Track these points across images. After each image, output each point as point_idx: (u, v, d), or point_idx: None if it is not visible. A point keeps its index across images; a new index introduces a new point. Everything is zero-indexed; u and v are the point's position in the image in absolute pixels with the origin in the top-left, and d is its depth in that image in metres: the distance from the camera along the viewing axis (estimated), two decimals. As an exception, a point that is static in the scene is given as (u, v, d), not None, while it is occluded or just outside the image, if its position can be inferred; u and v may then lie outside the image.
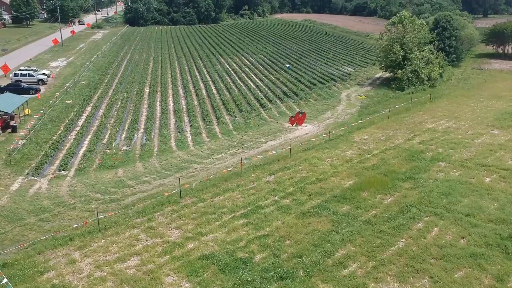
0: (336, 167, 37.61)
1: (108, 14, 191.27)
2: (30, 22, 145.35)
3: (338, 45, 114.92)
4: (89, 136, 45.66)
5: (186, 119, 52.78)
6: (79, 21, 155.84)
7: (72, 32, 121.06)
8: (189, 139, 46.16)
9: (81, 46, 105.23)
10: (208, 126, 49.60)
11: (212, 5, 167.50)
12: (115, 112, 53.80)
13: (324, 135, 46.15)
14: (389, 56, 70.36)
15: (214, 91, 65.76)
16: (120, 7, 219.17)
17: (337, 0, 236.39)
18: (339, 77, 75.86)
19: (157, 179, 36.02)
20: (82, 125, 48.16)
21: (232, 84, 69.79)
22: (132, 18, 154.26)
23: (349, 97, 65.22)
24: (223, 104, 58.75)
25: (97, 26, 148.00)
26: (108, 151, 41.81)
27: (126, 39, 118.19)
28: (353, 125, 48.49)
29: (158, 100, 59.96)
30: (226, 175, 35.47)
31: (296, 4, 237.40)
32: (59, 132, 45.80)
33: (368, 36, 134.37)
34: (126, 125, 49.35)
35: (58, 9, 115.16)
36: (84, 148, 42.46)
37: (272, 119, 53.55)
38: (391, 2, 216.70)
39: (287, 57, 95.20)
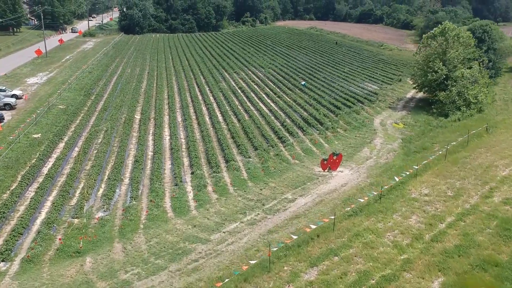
0: (404, 249, 25.43)
1: (102, 21, 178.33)
2: (17, 29, 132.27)
3: (352, 56, 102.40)
4: (53, 193, 32.75)
5: (186, 161, 39.98)
6: (72, 29, 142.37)
7: (60, 41, 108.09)
8: (190, 196, 33.39)
9: (67, 57, 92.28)
10: (214, 174, 36.78)
11: (213, 12, 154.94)
12: (94, 151, 40.90)
13: (370, 186, 33.94)
14: (428, 74, 57.68)
15: (220, 117, 53.00)
16: (116, 13, 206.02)
17: (341, 7, 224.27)
18: (365, 98, 63.29)
19: (142, 277, 23.35)
20: (47, 173, 35.28)
21: (240, 108, 57.08)
22: (128, 26, 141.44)
23: (384, 125, 52.57)
24: (232, 137, 45.97)
25: (89, 34, 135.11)
26: (76, 220, 28.97)
27: (119, 49, 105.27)
28: (405, 171, 35.79)
29: (150, 132, 47.09)
30: (247, 273, 22.86)
31: (298, 11, 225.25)
32: (13, 186, 32.84)
33: (382, 46, 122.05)
34: (106, 173, 36.51)
35: (42, 15, 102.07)
36: (42, 215, 29.56)
37: (297, 160, 40.82)
38: (397, 10, 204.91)
39: (298, 70, 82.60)
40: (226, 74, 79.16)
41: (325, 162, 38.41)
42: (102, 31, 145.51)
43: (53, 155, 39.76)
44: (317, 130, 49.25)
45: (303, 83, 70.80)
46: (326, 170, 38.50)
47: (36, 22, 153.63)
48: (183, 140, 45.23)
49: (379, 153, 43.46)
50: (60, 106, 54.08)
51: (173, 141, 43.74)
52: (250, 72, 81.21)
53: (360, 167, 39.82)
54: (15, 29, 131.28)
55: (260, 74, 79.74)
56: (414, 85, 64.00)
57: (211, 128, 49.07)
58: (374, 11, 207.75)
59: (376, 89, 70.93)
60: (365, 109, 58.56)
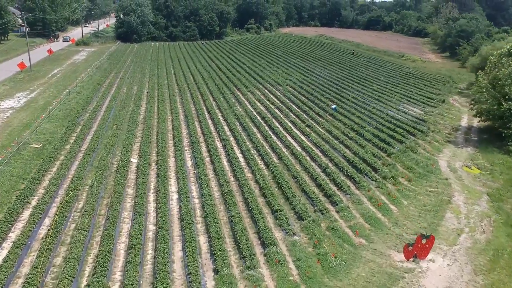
0: None
1: (98, 27, 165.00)
2: (4, 37, 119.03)
3: (375, 70, 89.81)
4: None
5: (203, 242, 26.94)
6: (63, 37, 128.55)
7: (49, 51, 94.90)
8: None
9: (55, 72, 79.07)
10: (249, 272, 23.82)
11: (216, 19, 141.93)
12: (70, 229, 27.77)
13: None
14: (503, 103, 44.79)
15: (241, 159, 40.07)
16: (113, 19, 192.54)
17: (347, 13, 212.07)
18: (414, 128, 50.57)
19: None
20: (-8, 279, 22.18)
21: (265, 144, 44.21)
22: (125, 33, 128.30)
23: (455, 170, 39.83)
24: (263, 195, 33.14)
25: (82, 42, 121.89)
26: None
27: (115, 60, 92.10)
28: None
29: (151, 188, 34.03)
30: None
31: (303, 17, 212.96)
32: None
33: (403, 57, 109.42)
34: (85, 274, 23.40)
35: (29, 23, 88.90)
36: None
37: (362, 239, 28.12)
38: (406, 16, 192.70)
39: (320, 88, 69.98)
40: (238, 93, 66.17)
41: (410, 248, 25.49)
42: (97, 39, 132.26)
43: (9, 236, 26.62)
44: (373, 180, 36.37)
45: (333, 106, 57.91)
46: (411, 259, 25.60)
47: (27, 29, 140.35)
48: (196, 202, 32.17)
49: (469, 221, 30.60)
50: (34, 145, 40.96)
51: (183, 204, 30.69)
52: (266, 91, 68.24)
53: (456, 251, 26.97)
54: (2, 37, 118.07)
55: (278, 93, 66.82)
56: (476, 113, 51.08)
57: (232, 178, 36.09)
58: (383, 18, 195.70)
59: (420, 113, 58.17)
60: (420, 144, 45.71)
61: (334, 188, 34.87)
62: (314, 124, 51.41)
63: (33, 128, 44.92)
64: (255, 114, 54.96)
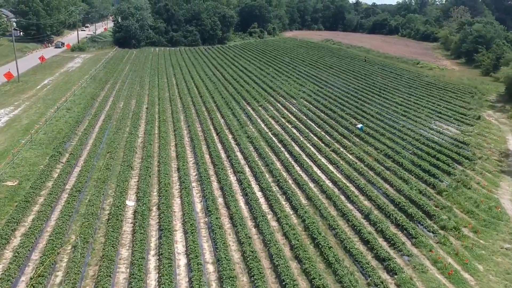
0: None
1: (95, 31, 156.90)
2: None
3: (393, 79, 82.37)
4: None
5: None
6: (55, 43, 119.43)
7: (41, 58, 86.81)
8: None
9: (45, 82, 71.07)
10: None
11: (219, 23, 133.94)
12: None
13: None
14: None
15: (262, 201, 32.36)
16: (111, 22, 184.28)
17: (352, 16, 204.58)
18: (457, 153, 43.03)
19: None
20: None
21: (287, 176, 36.74)
22: (123, 38, 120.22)
23: (524, 214, 31.76)
24: (296, 258, 25.60)
25: (78, 48, 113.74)
26: None
27: (112, 69, 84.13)
28: None
29: (152, 249, 26.12)
30: None
31: (305, 21, 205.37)
32: None
33: (418, 64, 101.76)
34: None
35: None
36: None
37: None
38: (412, 20, 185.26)
39: (339, 102, 62.48)
40: (249, 108, 58.31)
41: None
42: (94, 44, 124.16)
43: None
44: (431, 231, 28.75)
45: (359, 126, 50.10)
46: None
47: (21, 33, 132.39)
48: (211, 270, 24.27)
49: None
50: (8, 183, 33.02)
51: (194, 275, 22.78)
52: (279, 105, 60.45)
53: None
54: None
55: (293, 108, 59.03)
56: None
57: (254, 230, 28.34)
58: (389, 22, 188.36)
59: (457, 133, 50.45)
60: (472, 177, 37.99)
61: (385, 245, 27.04)
62: (341, 149, 43.63)
63: (9, 159, 36.87)
64: (271, 135, 47.07)
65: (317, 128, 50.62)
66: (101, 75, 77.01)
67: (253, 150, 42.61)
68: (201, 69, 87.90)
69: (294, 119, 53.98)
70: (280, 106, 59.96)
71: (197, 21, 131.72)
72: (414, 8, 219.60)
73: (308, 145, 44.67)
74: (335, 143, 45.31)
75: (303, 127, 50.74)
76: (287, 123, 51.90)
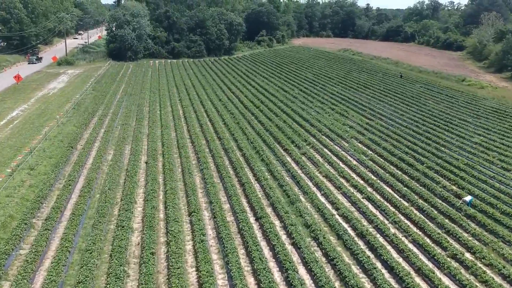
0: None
1: (88, 40, 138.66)
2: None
3: (448, 104, 66.64)
4: None
5: None
6: (29, 59, 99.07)
7: (17, 77, 68.79)
8: None
9: (13, 115, 53.16)
10: None
11: (226, 31, 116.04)
12: None
13: None
14: None
15: None
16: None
17: (363, 23, 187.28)
18: None
19: None
20: None
21: None
22: (117, 50, 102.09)
23: None
24: None
25: (65, 61, 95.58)
26: None
27: (103, 90, 66.41)
28: None
29: None
30: None
31: (313, 27, 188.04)
32: None
33: (463, 80, 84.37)
34: None
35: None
36: None
37: None
38: (427, 26, 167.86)
39: (404, 143, 45.23)
40: (288, 158, 40.78)
41: None
42: (85, 56, 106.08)
43: None
44: None
45: (468, 199, 32.31)
46: None
47: (2, 44, 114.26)
48: None
49: None
50: None
51: None
52: (326, 151, 43.06)
53: None
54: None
55: (350, 158, 41.53)
56: None
57: None
58: (404, 28, 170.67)
59: None
60: None
61: None
62: (466, 254, 25.80)
63: None
64: (340, 220, 29.49)
65: (401, 199, 32.99)
66: (87, 102, 59.07)
67: (324, 259, 24.79)
68: (212, 90, 70.09)
69: (359, 180, 36.31)
70: (329, 153, 42.24)
71: (202, 29, 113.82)
72: (427, 13, 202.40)
73: (405, 241, 27.00)
74: (439, 231, 27.76)
75: (379, 198, 33.08)
76: (352, 189, 34.23)
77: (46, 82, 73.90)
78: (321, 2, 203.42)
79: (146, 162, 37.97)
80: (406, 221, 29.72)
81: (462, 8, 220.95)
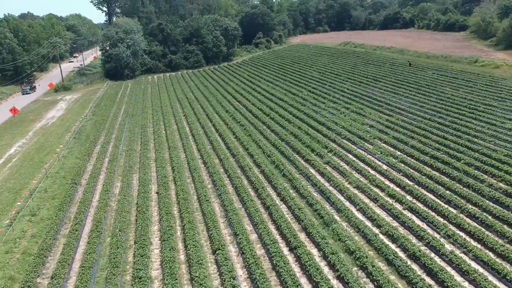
0: None
1: (84, 61, 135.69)
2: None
3: (467, 89, 62.60)
4: None
5: None
6: (22, 89, 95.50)
7: (13, 110, 65.61)
8: None
9: (11, 152, 49.93)
10: None
11: (222, 37, 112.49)
12: None
13: None
14: None
15: None
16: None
17: (359, 13, 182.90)
18: None
19: None
20: None
21: None
22: (114, 69, 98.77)
23: None
24: None
25: (62, 87, 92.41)
26: None
27: (103, 114, 63.10)
28: None
29: None
30: None
31: (309, 23, 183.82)
32: None
33: (476, 62, 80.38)
34: None
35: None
36: None
37: None
38: (425, 9, 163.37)
39: (433, 138, 40.66)
40: (311, 170, 37.18)
41: None
42: (83, 79, 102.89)
43: None
44: None
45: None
46: None
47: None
48: None
49: None
50: None
51: None
52: (350, 156, 39.45)
53: None
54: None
55: (378, 163, 37.72)
56: None
57: None
58: (402, 14, 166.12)
59: None
60: None
61: None
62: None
63: None
64: (386, 241, 25.71)
65: (447, 206, 29.17)
66: (88, 129, 55.58)
67: (380, 295, 20.96)
68: (216, 101, 66.49)
69: (395, 187, 32.50)
70: (354, 159, 38.41)
71: (197, 38, 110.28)
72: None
73: (466, 260, 23.17)
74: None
75: (422, 207, 29.35)
76: (390, 200, 30.47)
77: (44, 112, 70.55)
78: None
79: (157, 193, 34.32)
80: (461, 233, 25.86)
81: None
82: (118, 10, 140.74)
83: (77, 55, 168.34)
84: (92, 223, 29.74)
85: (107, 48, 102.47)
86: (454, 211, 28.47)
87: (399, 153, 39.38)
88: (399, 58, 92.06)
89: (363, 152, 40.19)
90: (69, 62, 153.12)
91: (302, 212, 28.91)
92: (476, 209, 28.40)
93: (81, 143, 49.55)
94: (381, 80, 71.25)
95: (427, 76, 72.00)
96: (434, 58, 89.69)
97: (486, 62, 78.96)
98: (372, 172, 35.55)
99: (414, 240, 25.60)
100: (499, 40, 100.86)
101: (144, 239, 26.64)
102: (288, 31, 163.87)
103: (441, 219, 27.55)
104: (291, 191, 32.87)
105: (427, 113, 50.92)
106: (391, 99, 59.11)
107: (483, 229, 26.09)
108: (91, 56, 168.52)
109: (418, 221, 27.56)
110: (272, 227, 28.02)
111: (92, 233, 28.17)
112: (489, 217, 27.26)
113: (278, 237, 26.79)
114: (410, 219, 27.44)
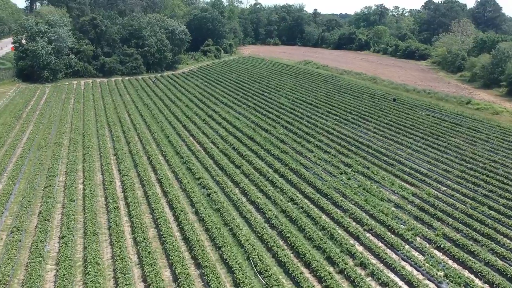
0: None
1: (1, 49, 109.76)
2: None
3: (478, 141, 47.67)
4: None
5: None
6: None
7: None
8: None
9: None
10: None
11: (167, 42, 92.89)
12: None
13: None
14: None
15: None
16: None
17: (311, 29, 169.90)
18: None
19: None
20: None
21: None
22: (29, 68, 76.25)
23: None
24: None
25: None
26: None
27: (1, 140, 41.76)
28: None
29: None
30: None
31: (259, 34, 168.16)
32: None
33: (468, 103, 68.64)
34: None
35: None
36: None
37: None
38: (379, 32, 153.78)
39: (497, 239, 24.96)
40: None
41: None
42: (-12, 77, 78.79)
43: None
44: None
45: None
46: None
47: None
48: None
49: None
50: None
51: None
52: (386, 271, 22.29)
53: None
54: None
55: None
56: None
57: None
58: (357, 35, 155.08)
59: None
60: None
61: None
62: None
63: None
64: None
65: None
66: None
67: None
68: (161, 131, 47.88)
69: None
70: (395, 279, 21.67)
71: (138, 40, 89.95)
72: (374, 19, 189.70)
73: None
74: None
75: None
76: None
77: None
78: (266, 8, 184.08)
79: None
80: None
81: (406, 14, 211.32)
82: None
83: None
84: None
85: (22, 41, 79.39)
86: None
87: (467, 274, 23.24)
88: (375, 88, 78.09)
89: (414, 271, 23.59)
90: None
91: None
92: None
93: None
94: (369, 118, 56.18)
95: (422, 118, 57.94)
96: (415, 92, 76.54)
97: (481, 105, 66.43)
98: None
99: None
100: (474, 76, 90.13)
101: None
102: (238, 40, 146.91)
103: None
104: None
105: (463, 186, 35.80)
106: (397, 151, 43.77)
107: None
108: (9, 45, 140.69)
109: None
110: None
111: None
112: None
113: None
114: None
